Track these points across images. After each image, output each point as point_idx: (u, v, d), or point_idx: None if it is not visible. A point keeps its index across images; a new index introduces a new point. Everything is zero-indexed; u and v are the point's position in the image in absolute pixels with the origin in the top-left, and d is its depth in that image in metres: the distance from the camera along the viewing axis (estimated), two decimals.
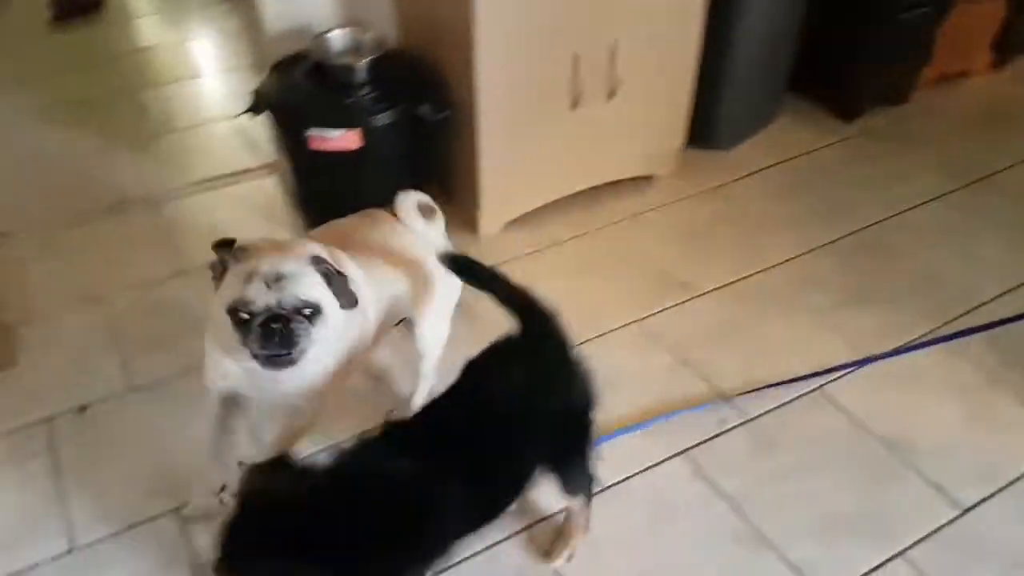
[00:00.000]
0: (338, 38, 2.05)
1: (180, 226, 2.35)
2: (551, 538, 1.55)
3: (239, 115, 2.09)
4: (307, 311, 1.25)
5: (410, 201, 1.59)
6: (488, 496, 1.28)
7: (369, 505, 1.10)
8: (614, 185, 2.43)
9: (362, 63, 1.97)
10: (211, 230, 2.32)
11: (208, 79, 3.18)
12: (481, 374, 1.33)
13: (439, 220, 1.66)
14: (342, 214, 2.17)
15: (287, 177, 2.39)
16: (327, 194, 2.15)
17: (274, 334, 1.22)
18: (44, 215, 2.39)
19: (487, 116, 2.04)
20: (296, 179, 2.21)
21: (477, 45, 1.90)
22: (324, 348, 1.31)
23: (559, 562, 1.51)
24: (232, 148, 2.72)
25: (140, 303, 2.08)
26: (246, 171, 2.59)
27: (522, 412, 1.29)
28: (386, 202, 2.19)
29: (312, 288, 1.26)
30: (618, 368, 1.88)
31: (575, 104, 2.14)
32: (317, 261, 1.28)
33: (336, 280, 1.29)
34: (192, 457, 1.59)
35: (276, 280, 1.23)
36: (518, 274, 2.10)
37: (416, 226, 1.58)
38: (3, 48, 3.32)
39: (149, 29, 3.59)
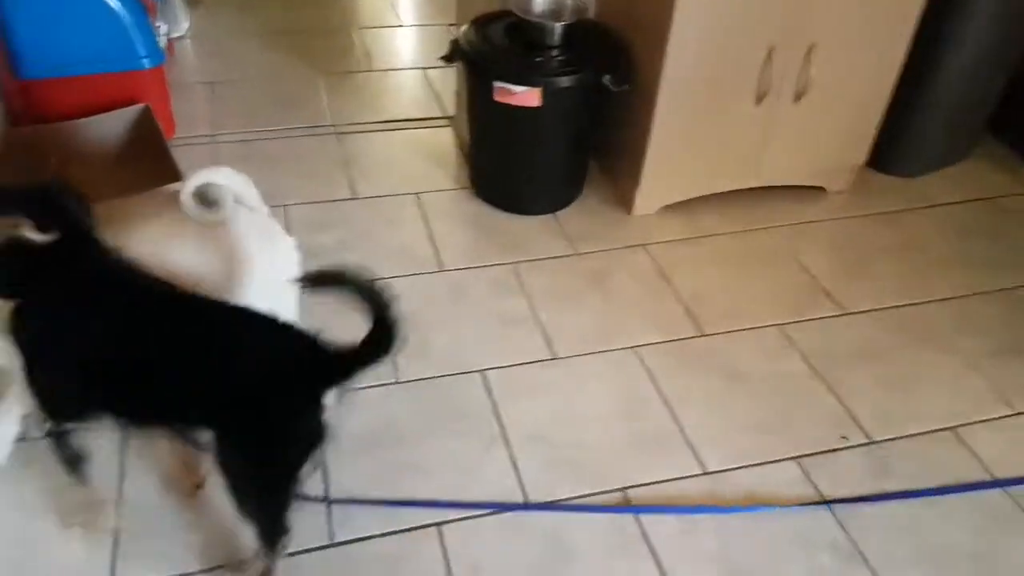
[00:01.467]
0: (540, 1, 2.14)
1: (357, 157, 2.53)
2: None
3: (440, 59, 2.22)
4: None
5: (189, 187, 1.38)
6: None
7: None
8: (782, 190, 2.40)
9: (557, 26, 2.05)
10: (384, 166, 2.51)
11: (409, 29, 3.38)
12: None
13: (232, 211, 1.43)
14: (508, 169, 2.29)
15: (463, 131, 2.53)
16: (500, 146, 2.26)
17: None
18: (248, 124, 2.65)
19: (667, 97, 2.06)
20: (473, 129, 2.33)
21: (672, 24, 1.93)
22: None
23: None
24: (418, 96, 2.90)
25: (311, 217, 2.26)
26: (426, 119, 2.76)
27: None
28: (559, 161, 2.27)
29: None
30: (747, 366, 1.89)
31: (760, 100, 2.13)
32: None
33: None
34: None
35: None
36: (665, 258, 2.19)
37: (197, 217, 1.40)
38: None
39: None
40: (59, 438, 1.32)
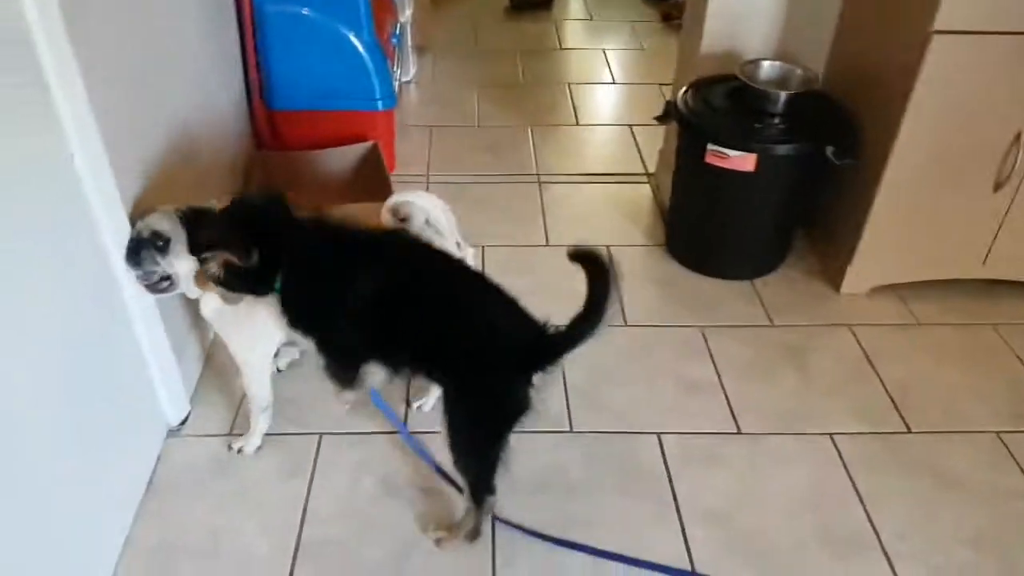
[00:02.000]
0: (767, 67, 2.12)
1: (556, 206, 2.60)
2: None
3: (654, 119, 2.25)
4: (159, 242, 1.45)
5: (390, 201, 1.60)
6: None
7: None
8: (1009, 284, 2.19)
9: (783, 94, 2.01)
10: (580, 216, 2.56)
11: (619, 87, 3.45)
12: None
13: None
14: (709, 232, 2.26)
15: (663, 189, 2.53)
16: (704, 207, 2.23)
17: (128, 253, 1.46)
18: (459, 167, 2.79)
19: (894, 174, 1.96)
20: (677, 188, 2.32)
21: (910, 102, 1.84)
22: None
23: None
24: (620, 152, 2.94)
25: (506, 259, 2.32)
26: (627, 174, 2.78)
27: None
28: (766, 228, 2.22)
29: (163, 222, 1.45)
30: (959, 472, 1.71)
31: (998, 187, 1.96)
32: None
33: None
34: None
35: (143, 215, 1.48)
36: (872, 342, 2.05)
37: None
38: (464, 26, 3.95)
39: (578, 32, 4.00)
40: (351, 374, 1.52)
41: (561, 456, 1.73)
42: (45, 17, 1.23)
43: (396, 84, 2.84)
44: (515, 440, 1.70)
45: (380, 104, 2.51)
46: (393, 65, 2.71)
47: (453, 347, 1.36)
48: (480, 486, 1.47)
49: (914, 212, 2.03)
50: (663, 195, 2.59)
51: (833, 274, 2.24)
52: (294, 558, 1.51)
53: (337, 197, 2.42)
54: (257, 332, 1.60)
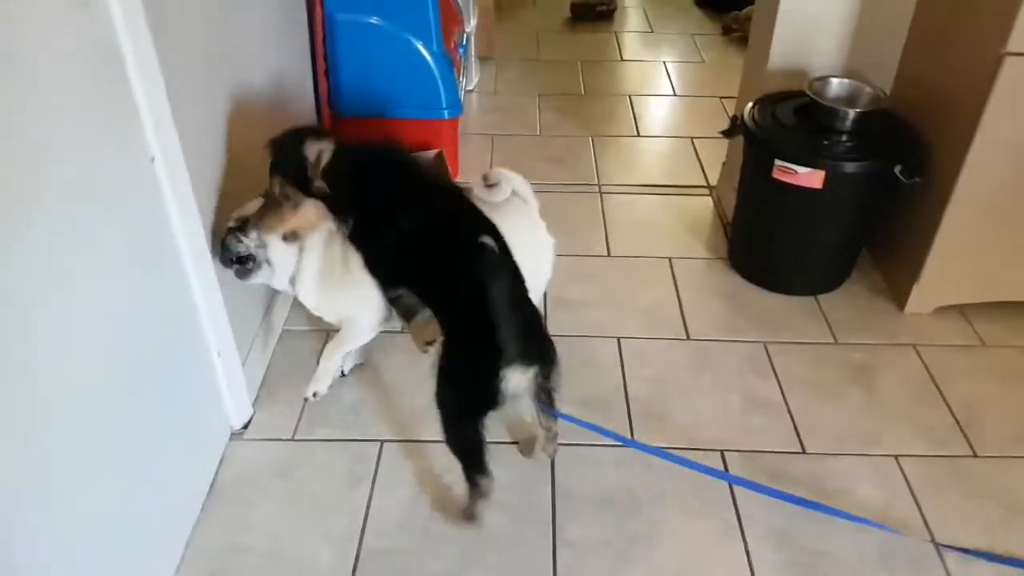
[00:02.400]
0: (836, 85, 2.11)
1: (616, 216, 2.62)
2: None
3: (720, 133, 2.26)
4: (236, 223, 1.63)
5: (482, 173, 1.76)
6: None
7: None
8: None
9: (852, 112, 2.01)
10: (641, 227, 2.57)
11: (680, 99, 3.46)
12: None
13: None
14: (773, 245, 2.26)
15: (724, 201, 2.54)
16: (768, 223, 2.24)
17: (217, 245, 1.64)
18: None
19: (963, 194, 1.94)
20: (741, 202, 2.33)
21: (982, 122, 1.82)
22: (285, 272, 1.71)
23: None
24: (682, 164, 2.95)
25: (566, 268, 2.32)
26: (688, 186, 2.79)
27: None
28: (831, 245, 2.21)
29: (243, 208, 1.66)
30: (1016, 496, 1.69)
31: None
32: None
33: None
34: None
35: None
36: (938, 362, 2.04)
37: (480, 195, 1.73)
38: (526, 36, 4.00)
39: (638, 44, 4.01)
40: (395, 301, 1.68)
41: (624, 472, 1.75)
42: (132, 26, 1.28)
43: (461, 93, 2.90)
44: (576, 455, 1.75)
45: (447, 113, 2.57)
46: (459, 74, 2.76)
47: (462, 296, 1.45)
48: (466, 464, 1.54)
49: (983, 233, 2.01)
50: (725, 208, 2.59)
51: (898, 293, 2.22)
52: (354, 568, 1.54)
53: None
54: (361, 293, 1.69)
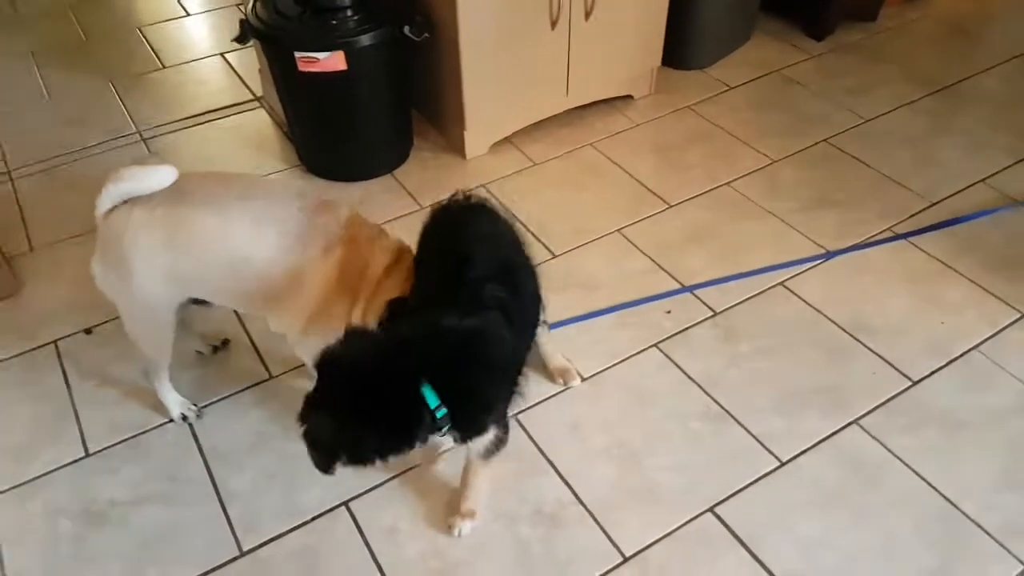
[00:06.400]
0: None
1: (173, 159, 2.42)
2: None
3: (233, 41, 2.15)
4: None
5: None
6: (524, 326, 1.44)
7: (449, 358, 1.23)
8: (596, 105, 2.54)
9: None
10: (204, 163, 2.43)
11: (197, 18, 3.23)
12: (447, 226, 1.45)
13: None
14: (333, 138, 2.28)
15: (276, 108, 2.48)
16: (317, 116, 2.25)
17: None
18: (42, 151, 2.48)
19: (468, 37, 2.12)
20: (286, 105, 2.30)
21: None
22: None
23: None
24: (221, 83, 2.80)
25: None
26: (235, 104, 2.68)
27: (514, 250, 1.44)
28: (381, 120, 2.27)
29: None
30: (598, 272, 2.02)
31: (554, 24, 2.22)
32: None
33: None
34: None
35: None
36: (504, 192, 2.26)
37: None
38: None
39: None
40: None
41: (266, 408, 1.73)
42: None
43: None
44: (215, 415, 1.67)
45: None
46: None
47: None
48: None
49: (497, 67, 2.24)
50: (279, 115, 2.54)
51: (456, 144, 2.41)
52: None
53: None
54: None
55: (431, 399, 1.19)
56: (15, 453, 1.66)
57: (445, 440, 1.43)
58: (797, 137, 2.45)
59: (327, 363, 1.22)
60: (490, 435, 1.36)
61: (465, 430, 1.29)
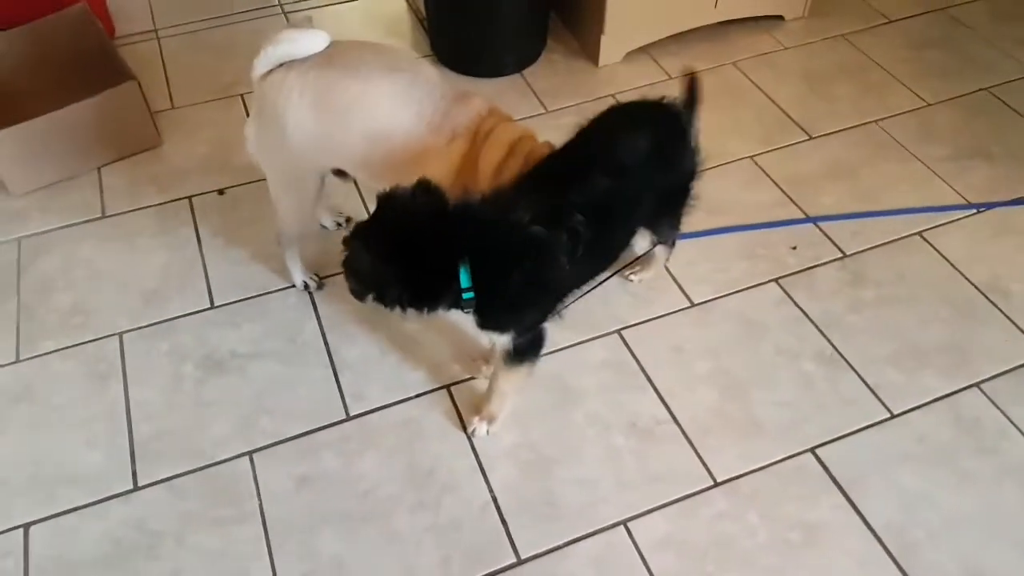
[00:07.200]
0: None
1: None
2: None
3: None
4: None
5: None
6: (602, 250, 1.41)
7: (498, 250, 1.23)
8: (743, 22, 2.41)
9: None
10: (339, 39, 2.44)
11: None
12: (604, 135, 1.40)
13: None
14: (467, 28, 2.26)
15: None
16: (456, 6, 2.22)
17: None
18: (188, 13, 2.55)
19: None
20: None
21: None
22: None
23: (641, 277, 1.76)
24: None
25: None
26: None
27: (643, 175, 1.38)
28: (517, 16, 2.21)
29: None
30: (727, 198, 1.96)
31: None
32: None
33: None
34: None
35: None
36: None
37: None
38: None
39: None
40: None
41: None
42: None
43: None
44: (333, 288, 1.73)
45: None
46: None
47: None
48: None
49: None
50: (418, 2, 2.52)
51: (590, 50, 2.34)
52: (132, 458, 1.51)
53: (61, 73, 2.14)
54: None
55: (464, 278, 1.21)
56: (147, 296, 1.77)
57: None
58: (957, 81, 2.26)
59: (387, 203, 1.22)
60: (508, 338, 1.36)
61: (484, 320, 1.32)
